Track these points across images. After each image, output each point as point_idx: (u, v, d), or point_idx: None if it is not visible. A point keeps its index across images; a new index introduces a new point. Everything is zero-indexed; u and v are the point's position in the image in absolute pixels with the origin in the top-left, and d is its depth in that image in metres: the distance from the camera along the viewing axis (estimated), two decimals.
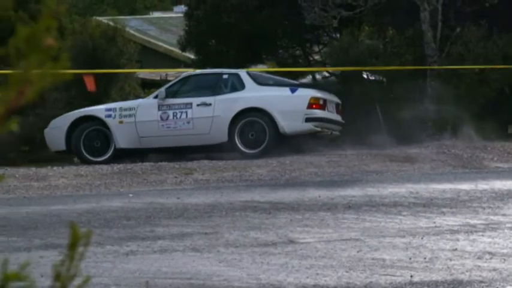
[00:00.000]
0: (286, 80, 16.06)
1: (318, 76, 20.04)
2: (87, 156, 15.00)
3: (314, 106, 14.91)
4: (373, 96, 17.55)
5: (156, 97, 15.22)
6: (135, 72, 20.33)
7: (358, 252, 7.41)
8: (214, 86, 15.15)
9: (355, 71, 17.76)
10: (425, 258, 7.18)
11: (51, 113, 16.50)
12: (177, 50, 22.27)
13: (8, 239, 8.20)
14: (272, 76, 16.17)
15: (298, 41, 19.92)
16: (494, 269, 6.85)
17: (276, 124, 14.73)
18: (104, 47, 19.39)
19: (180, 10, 25.51)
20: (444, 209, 9.53)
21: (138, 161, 14.60)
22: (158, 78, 21.61)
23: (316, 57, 20.44)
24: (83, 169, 13.70)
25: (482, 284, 6.44)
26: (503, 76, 17.56)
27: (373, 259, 7.13)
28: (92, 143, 15.12)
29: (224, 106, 14.85)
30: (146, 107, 15.14)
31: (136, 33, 24.58)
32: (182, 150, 15.11)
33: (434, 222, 8.77)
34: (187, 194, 11.12)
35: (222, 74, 15.40)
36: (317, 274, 6.65)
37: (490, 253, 7.38)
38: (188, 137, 14.93)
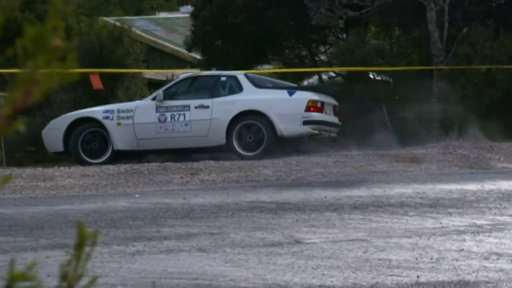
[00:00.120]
0: (284, 82, 16.13)
1: (324, 76, 20.03)
2: (85, 157, 15.02)
3: (312, 109, 14.95)
4: (379, 97, 17.54)
5: (154, 99, 15.24)
6: (141, 73, 20.35)
7: (364, 252, 7.40)
8: (212, 89, 15.19)
9: (362, 71, 17.75)
10: (431, 258, 7.17)
11: (57, 113, 16.52)
12: (183, 50, 22.28)
13: (15, 239, 8.22)
14: (270, 79, 16.24)
15: (304, 41, 19.92)
16: (501, 270, 6.84)
17: (274, 127, 14.75)
18: (111, 47, 19.41)
19: (186, 10, 25.53)
20: (451, 210, 9.52)
21: (145, 162, 14.61)
22: (164, 78, 21.62)
23: (323, 57, 20.44)
24: (90, 169, 13.72)
25: (489, 285, 6.43)
26: (509, 76, 17.52)
27: (379, 260, 7.13)
28: (89, 144, 15.15)
29: (222, 108, 14.89)
30: (144, 108, 15.15)
31: (142, 34, 24.61)
32: (180, 151, 15.13)
33: (441, 223, 8.75)
34: (193, 194, 11.13)
35: (220, 76, 15.44)
36: (323, 274, 6.65)
37: (496, 254, 7.37)
38: (186, 139, 14.96)
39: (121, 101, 17.54)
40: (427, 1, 17.52)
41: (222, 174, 13.09)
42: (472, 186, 11.04)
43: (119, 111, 15.20)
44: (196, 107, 15.00)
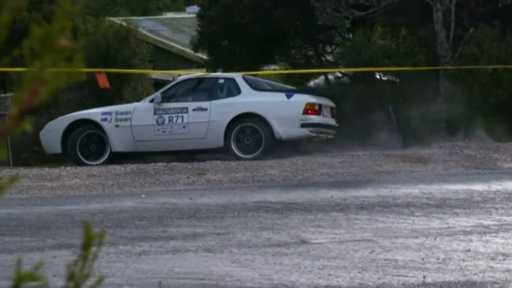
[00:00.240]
0: (281, 85, 16.17)
1: (330, 77, 20.02)
2: (83, 159, 15.06)
3: (310, 112, 14.98)
4: (386, 97, 17.52)
5: (151, 101, 15.27)
6: (148, 73, 20.36)
7: (370, 253, 7.39)
8: (210, 91, 15.21)
9: (368, 71, 17.73)
10: (438, 259, 7.16)
11: (64, 113, 16.55)
12: (189, 51, 22.29)
13: (22, 239, 8.23)
14: (268, 81, 16.27)
15: (310, 41, 19.91)
16: (508, 270, 6.82)
17: (272, 129, 14.77)
18: (117, 48, 19.43)
19: (192, 11, 25.54)
20: (457, 210, 9.50)
21: (151, 162, 14.63)
22: (171, 78, 21.64)
23: (329, 57, 20.42)
24: (96, 169, 13.73)
25: (496, 285, 6.42)
26: None
27: (385, 260, 7.12)
28: (88, 146, 15.18)
29: (220, 111, 14.92)
30: (142, 111, 15.19)
31: (149, 34, 24.62)
32: (178, 152, 15.17)
33: (447, 223, 8.74)
34: (199, 194, 11.13)
35: (217, 78, 15.47)
36: (329, 275, 6.64)
37: (503, 254, 7.36)
38: (184, 142, 15.00)
39: (127, 101, 17.56)
40: (434, 1, 17.50)
41: (229, 174, 13.09)
42: (478, 187, 11.03)
43: (116, 113, 15.25)
44: (194, 110, 15.04)
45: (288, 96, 15.09)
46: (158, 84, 20.58)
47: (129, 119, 15.15)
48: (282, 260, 7.15)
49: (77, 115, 15.39)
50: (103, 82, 16.42)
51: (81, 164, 14.85)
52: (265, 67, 20.76)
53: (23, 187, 12.08)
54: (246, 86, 15.16)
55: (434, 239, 7.96)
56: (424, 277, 6.58)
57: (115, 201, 10.61)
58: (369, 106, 16.99)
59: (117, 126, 15.14)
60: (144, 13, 31.22)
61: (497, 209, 9.55)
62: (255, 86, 15.27)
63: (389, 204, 9.88)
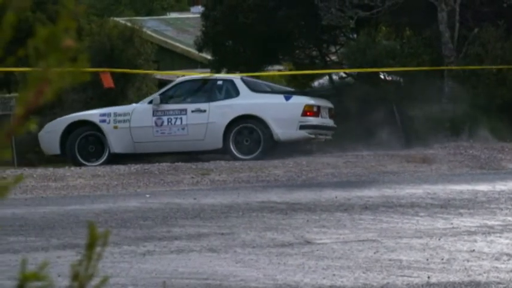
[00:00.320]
0: (280, 87, 16.21)
1: (334, 77, 20.01)
2: (82, 160, 15.09)
3: (308, 113, 15.03)
4: (390, 97, 17.51)
5: (150, 102, 15.29)
6: (152, 73, 20.37)
7: (375, 253, 7.39)
8: (209, 92, 15.24)
9: (372, 71, 17.72)
10: (442, 259, 7.16)
11: (68, 113, 16.57)
12: (193, 51, 22.30)
13: (26, 238, 8.24)
14: (266, 83, 16.31)
15: (314, 41, 19.90)
16: None
17: (271, 131, 14.79)
18: (121, 48, 19.44)
19: (197, 11, 25.55)
20: (462, 210, 9.49)
21: (155, 162, 14.64)
22: (175, 78, 21.64)
23: (333, 57, 20.41)
24: (100, 169, 13.75)
25: (500, 286, 6.41)
26: None
27: (390, 260, 7.12)
28: (86, 147, 15.21)
29: (219, 113, 14.96)
30: (141, 112, 15.22)
31: (153, 34, 24.63)
32: (177, 153, 15.21)
33: (452, 223, 8.74)
34: (204, 194, 11.13)
35: (216, 80, 15.48)
36: (334, 275, 6.64)
37: (507, 254, 7.35)
38: (183, 143, 15.03)
39: (132, 101, 17.57)
40: (438, 1, 17.49)
41: (233, 174, 13.09)
42: (483, 187, 11.01)
43: (115, 114, 15.28)
44: (193, 111, 15.07)
45: (287, 98, 15.14)
46: (162, 84, 20.57)
47: (127, 121, 15.19)
48: (286, 260, 7.15)
49: (75, 116, 15.43)
50: (107, 82, 16.43)
51: (80, 165, 14.88)
52: (270, 67, 20.76)
53: (27, 187, 12.09)
54: (245, 87, 15.20)
55: (439, 239, 7.95)
56: (428, 277, 6.57)
57: (119, 201, 10.62)
58: (373, 106, 16.98)
59: (115, 127, 15.17)
60: (149, 13, 31.24)
61: (502, 209, 9.54)
62: (254, 88, 15.31)
63: (393, 205, 9.87)
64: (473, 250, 7.49)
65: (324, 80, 20.31)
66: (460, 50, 17.62)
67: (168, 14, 29.86)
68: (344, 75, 19.92)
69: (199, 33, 19.99)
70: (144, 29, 21.26)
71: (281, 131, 14.83)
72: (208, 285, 6.40)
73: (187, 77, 16.39)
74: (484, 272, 6.75)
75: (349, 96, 17.62)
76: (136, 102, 16.55)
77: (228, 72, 19.39)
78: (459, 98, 17.14)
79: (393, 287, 6.33)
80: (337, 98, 18.82)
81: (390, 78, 18.64)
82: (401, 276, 6.62)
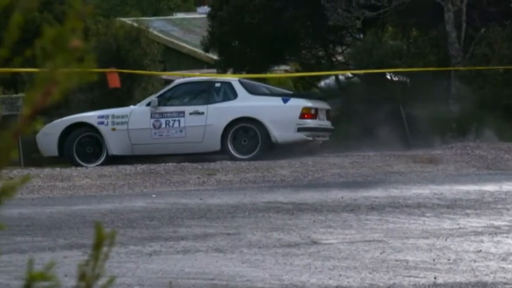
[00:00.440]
0: (278, 89, 16.27)
1: (341, 77, 20.00)
2: (80, 161, 15.12)
3: (306, 116, 15.10)
4: (396, 97, 17.50)
5: (148, 104, 15.31)
6: (158, 74, 20.37)
7: (381, 253, 7.38)
8: (207, 95, 15.27)
9: (379, 71, 17.71)
10: (449, 259, 7.15)
11: (75, 113, 16.59)
12: (200, 51, 22.31)
13: (33, 238, 8.25)
14: (264, 85, 16.36)
15: (321, 41, 19.90)
16: None
17: (269, 134, 14.82)
18: (128, 48, 19.46)
19: (203, 11, 25.56)
20: (468, 211, 9.48)
21: (161, 162, 14.66)
22: (182, 78, 21.63)
23: (339, 58, 20.40)
24: (107, 169, 13.77)
25: (507, 286, 6.40)
26: None
27: (396, 260, 7.11)
28: (84, 148, 15.25)
29: (217, 115, 15.01)
30: (139, 114, 15.26)
31: (159, 34, 24.65)
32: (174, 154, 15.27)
33: (458, 224, 8.72)
34: (210, 194, 11.14)
35: (214, 82, 15.52)
36: (340, 275, 6.64)
37: None
38: (181, 145, 15.08)
39: (138, 101, 17.58)
40: (445, 1, 17.46)
41: (239, 174, 13.10)
42: (489, 187, 11.00)
43: (113, 116, 15.33)
44: (191, 113, 15.11)
45: (285, 101, 15.19)
46: (169, 84, 20.59)
47: (125, 123, 15.24)
48: (292, 260, 7.14)
49: (73, 118, 15.47)
50: (113, 82, 16.44)
51: (78, 165, 14.93)
52: (276, 67, 20.76)
53: (34, 187, 12.11)
54: (243, 90, 15.26)
55: (445, 239, 7.94)
56: (435, 278, 6.57)
57: (126, 202, 10.63)
58: (380, 106, 16.97)
59: (113, 129, 15.23)
60: (155, 13, 31.26)
61: (509, 210, 9.52)
62: (252, 90, 15.37)
63: (400, 205, 9.86)
64: (480, 250, 7.48)
65: (330, 80, 20.30)
66: (466, 50, 17.59)
67: (174, 14, 29.88)
68: (350, 75, 19.91)
69: (205, 34, 20.00)
70: (151, 29, 21.27)
71: (279, 134, 14.90)
72: (214, 285, 6.40)
73: (185, 79, 16.46)
74: (491, 273, 6.73)
75: (356, 97, 17.61)
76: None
77: (234, 72, 19.40)
78: (466, 99, 17.12)
79: None
80: (343, 98, 18.82)
81: (397, 78, 18.63)
82: (408, 276, 6.61)
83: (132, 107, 15.72)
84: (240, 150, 14.91)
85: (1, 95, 17.46)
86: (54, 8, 20.61)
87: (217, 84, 15.40)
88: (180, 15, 28.98)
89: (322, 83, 20.79)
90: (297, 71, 20.92)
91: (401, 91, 17.90)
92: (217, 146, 14.93)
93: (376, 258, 7.21)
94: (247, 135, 14.97)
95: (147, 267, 6.96)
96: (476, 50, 17.49)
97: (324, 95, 17.46)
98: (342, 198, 10.35)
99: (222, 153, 14.89)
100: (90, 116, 15.47)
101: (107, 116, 15.34)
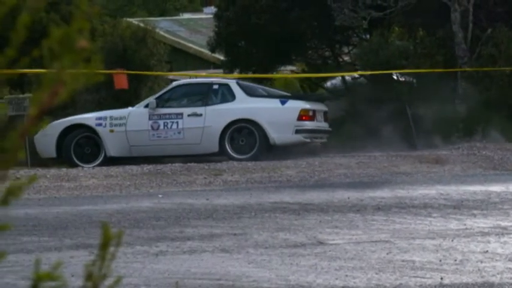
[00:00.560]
0: (276, 91, 16.32)
1: (347, 77, 19.99)
2: (78, 162, 15.16)
3: (304, 118, 15.14)
4: (403, 97, 17.48)
5: (146, 106, 15.35)
6: (164, 75, 20.39)
7: (387, 254, 7.38)
8: (205, 96, 15.30)
9: (385, 71, 17.70)
10: (455, 260, 7.14)
11: (81, 114, 16.60)
12: (206, 51, 22.32)
13: (39, 238, 8.27)
14: (262, 87, 16.39)
15: (327, 42, 19.89)
16: None
17: (267, 135, 14.88)
18: (134, 48, 19.48)
19: (209, 11, 25.57)
20: (475, 211, 9.47)
21: (168, 162, 14.68)
22: (188, 79, 21.65)
23: (346, 58, 20.39)
24: (113, 170, 13.78)
25: None
26: None
27: (403, 261, 7.10)
28: (82, 149, 15.29)
29: (215, 117, 15.05)
30: (137, 116, 15.30)
31: (166, 35, 24.66)
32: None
33: (465, 224, 8.71)
34: (216, 195, 11.14)
35: (212, 84, 15.56)
36: (346, 276, 6.63)
37: None
38: (179, 147, 15.12)
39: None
40: (451, 2, 17.44)
41: (245, 175, 13.10)
42: (496, 188, 10.98)
43: (111, 118, 15.37)
44: (189, 115, 15.15)
45: (283, 103, 15.24)
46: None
47: (124, 124, 15.29)
48: (298, 260, 7.14)
49: (71, 120, 15.51)
50: (119, 83, 16.46)
51: (75, 166, 14.97)
52: (282, 68, 20.76)
53: (40, 187, 12.13)
54: (241, 91, 15.30)
55: (452, 240, 7.93)
56: (441, 278, 6.56)
57: (132, 202, 10.64)
58: (386, 107, 16.96)
59: (111, 131, 15.27)
60: (162, 14, 31.28)
61: None
62: (250, 92, 15.42)
63: (406, 205, 9.85)
64: (487, 251, 7.47)
65: (337, 80, 20.29)
66: (473, 51, 17.57)
67: (181, 14, 29.89)
68: (357, 75, 19.89)
69: (212, 34, 20.00)
70: (157, 30, 21.28)
71: (277, 135, 14.96)
72: (220, 285, 6.40)
73: (183, 81, 16.53)
74: (498, 273, 6.72)
75: (362, 97, 17.60)
76: None
77: (240, 72, 19.41)
78: (472, 99, 17.09)
79: None
80: (349, 99, 18.80)
81: (403, 78, 18.61)
82: (414, 277, 6.61)
83: (130, 108, 15.75)
84: (238, 151, 14.96)
85: (8, 96, 17.49)
86: (61, 8, 20.63)
87: (215, 86, 15.46)
88: (186, 16, 28.99)
89: (328, 83, 20.78)
90: (303, 72, 20.91)
91: (407, 91, 17.88)
92: (215, 148, 14.99)
93: (382, 258, 7.20)
94: (245, 137, 15.02)
95: (153, 268, 6.96)
96: (483, 51, 17.46)
97: (320, 97, 17.49)
98: (348, 198, 10.35)
99: (220, 155, 14.93)
100: (88, 118, 15.52)
101: (105, 118, 15.40)
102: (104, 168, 14.26)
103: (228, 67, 19.67)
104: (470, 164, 14.00)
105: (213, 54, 21.64)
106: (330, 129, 15.87)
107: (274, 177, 12.88)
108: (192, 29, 26.81)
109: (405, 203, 9.99)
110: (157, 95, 15.77)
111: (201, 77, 18.62)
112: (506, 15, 17.51)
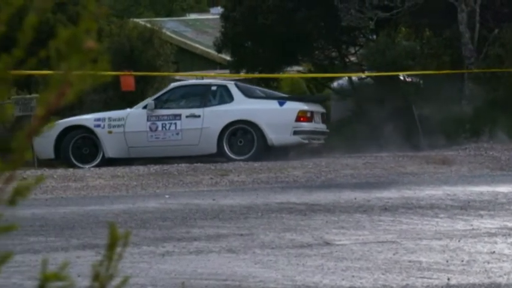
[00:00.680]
0: (274, 92, 16.38)
1: (354, 78, 19.98)
2: (76, 162, 15.19)
3: (302, 119, 15.19)
4: (410, 98, 17.47)
5: (145, 107, 15.38)
6: (171, 75, 20.40)
7: (394, 254, 7.37)
8: (203, 98, 15.33)
9: (392, 71, 17.68)
10: (462, 261, 7.13)
11: (87, 114, 16.62)
12: (213, 52, 22.33)
13: (46, 239, 8.28)
14: (260, 88, 16.45)
15: (334, 42, 19.88)
16: None
17: (265, 136, 14.90)
18: (141, 49, 19.50)
19: (216, 12, 25.58)
20: (482, 212, 9.45)
21: (174, 163, 14.69)
22: (195, 79, 21.67)
23: (352, 58, 20.38)
24: (120, 170, 13.80)
25: None
26: None
27: (409, 262, 7.10)
28: (80, 150, 15.32)
29: (213, 118, 15.11)
30: (135, 117, 15.36)
31: (173, 35, 24.69)
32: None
33: (472, 225, 8.70)
34: (222, 195, 11.15)
35: (210, 85, 15.60)
36: (353, 276, 6.63)
37: None
38: (177, 148, 15.16)
39: None
40: (458, 2, 17.42)
41: (252, 175, 13.10)
42: (503, 188, 10.96)
43: (110, 119, 15.41)
44: (187, 116, 15.18)
45: (281, 104, 15.30)
46: None
47: (122, 125, 15.34)
48: (305, 261, 7.14)
49: (70, 121, 15.54)
50: (126, 85, 16.50)
51: (74, 166, 15.00)
52: (289, 68, 20.76)
53: (47, 187, 12.15)
54: (239, 93, 15.36)
55: (459, 240, 7.92)
56: (448, 279, 6.55)
57: (139, 202, 10.65)
58: (392, 107, 16.95)
59: (110, 132, 15.32)
60: (168, 14, 31.31)
61: None
62: (248, 93, 15.48)
63: (413, 206, 9.84)
64: (494, 252, 7.46)
65: (343, 80, 20.28)
66: (480, 51, 17.54)
67: (187, 15, 29.91)
68: (363, 76, 19.88)
69: (218, 34, 20.02)
70: (164, 30, 21.31)
71: (275, 136, 15.00)
72: (227, 286, 6.40)
73: (181, 83, 16.59)
74: (505, 274, 6.71)
75: (368, 97, 17.59)
76: None
77: (247, 73, 19.41)
78: (479, 99, 17.07)
79: None
80: (356, 99, 18.80)
81: (409, 79, 18.60)
82: (421, 277, 6.60)
83: (128, 110, 15.79)
84: (237, 152, 15.00)
85: (15, 96, 17.52)
86: (68, 9, 20.66)
87: (214, 88, 15.52)
88: (193, 16, 29.01)
89: (335, 84, 20.77)
90: (310, 72, 20.91)
91: (414, 92, 17.86)
92: (213, 149, 15.04)
93: (389, 259, 7.20)
94: (243, 138, 15.07)
95: (160, 268, 6.97)
96: (490, 51, 17.43)
97: (319, 98, 17.57)
98: (355, 199, 10.34)
99: (218, 156, 14.97)
100: (87, 119, 15.57)
101: (104, 119, 15.45)
102: (111, 168, 14.28)
103: (234, 67, 19.68)
104: (477, 165, 13.97)
105: (220, 55, 21.66)
106: (327, 130, 15.95)
107: (281, 178, 12.88)
108: (199, 29, 26.82)
109: (412, 204, 9.98)
110: (155, 96, 15.83)
111: (208, 77, 18.66)
112: None
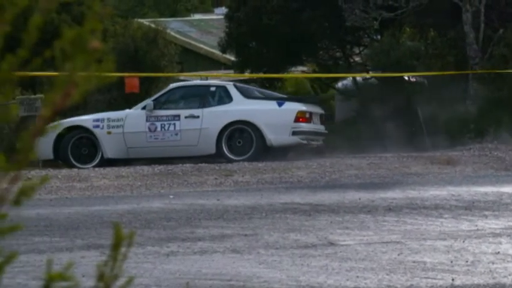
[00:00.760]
0: (273, 93, 16.40)
1: (358, 78, 19.97)
2: (75, 163, 15.21)
3: (301, 119, 15.22)
4: (414, 98, 17.46)
5: (144, 108, 15.40)
6: (175, 75, 20.42)
7: (398, 255, 7.37)
8: (202, 99, 15.36)
9: (396, 71, 17.68)
10: (467, 261, 7.12)
11: (92, 114, 16.63)
12: (217, 52, 22.33)
13: (51, 239, 8.29)
14: (259, 89, 16.47)
15: (338, 42, 19.88)
16: None
17: (264, 137, 14.93)
18: (145, 49, 19.52)
19: (220, 12, 25.58)
20: (486, 212, 9.44)
21: (179, 163, 14.70)
22: (199, 80, 21.68)
23: (357, 58, 20.37)
24: (124, 170, 13.81)
25: None
26: None
27: (414, 262, 7.09)
28: (79, 150, 15.34)
29: (212, 119, 15.14)
30: (134, 118, 15.38)
31: (177, 35, 24.69)
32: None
33: (476, 225, 8.69)
34: (227, 195, 11.15)
35: (209, 86, 15.62)
36: (357, 277, 6.62)
37: None
38: (176, 149, 15.19)
39: None
40: (463, 2, 17.41)
41: (256, 175, 13.10)
42: (507, 189, 10.94)
43: (109, 120, 15.43)
44: (186, 117, 15.20)
45: (280, 104, 15.32)
46: None
47: (121, 126, 15.36)
48: (309, 261, 7.14)
49: (69, 122, 15.55)
50: (130, 86, 16.53)
51: (72, 166, 15.02)
52: (293, 68, 20.76)
53: (52, 188, 12.17)
54: (238, 93, 15.38)
55: (463, 241, 7.91)
56: (452, 279, 6.54)
57: (143, 202, 10.66)
58: (397, 107, 16.93)
59: (109, 133, 15.34)
60: (173, 15, 31.32)
61: None
62: (247, 94, 15.50)
63: (417, 206, 9.84)
64: (498, 252, 7.45)
65: (348, 80, 20.27)
66: (485, 51, 17.52)
67: (192, 15, 29.92)
68: (368, 76, 19.87)
69: (223, 35, 20.02)
70: (168, 31, 21.31)
71: (274, 137, 15.03)
72: (231, 286, 6.40)
73: (180, 83, 16.61)
74: (509, 274, 6.70)
75: (373, 97, 17.59)
76: None
77: (251, 73, 19.41)
78: (484, 100, 17.05)
79: None
80: (360, 99, 18.79)
81: (414, 79, 18.58)
82: (425, 278, 6.59)
83: (127, 110, 15.81)
84: (236, 153, 15.03)
85: (19, 96, 17.55)
86: (73, 9, 20.69)
87: (213, 88, 15.55)
88: (197, 17, 29.01)
89: (339, 84, 20.77)
90: (314, 72, 20.91)
91: (418, 92, 17.85)
92: (212, 150, 15.07)
93: (393, 259, 7.19)
94: (242, 139, 15.09)
95: (164, 268, 6.97)
96: (495, 51, 17.42)
97: (317, 99, 17.60)
98: (359, 199, 10.33)
99: (217, 156, 14.99)
100: (86, 120, 15.60)
101: (103, 120, 15.47)
102: (115, 168, 14.29)
103: (238, 68, 19.69)
104: (481, 165, 13.96)
105: (224, 55, 21.66)
106: (326, 131, 15.98)
107: (285, 178, 12.88)
108: (203, 29, 26.83)
109: (416, 204, 9.97)
110: (154, 97, 15.86)
111: (213, 77, 18.68)
112: None
